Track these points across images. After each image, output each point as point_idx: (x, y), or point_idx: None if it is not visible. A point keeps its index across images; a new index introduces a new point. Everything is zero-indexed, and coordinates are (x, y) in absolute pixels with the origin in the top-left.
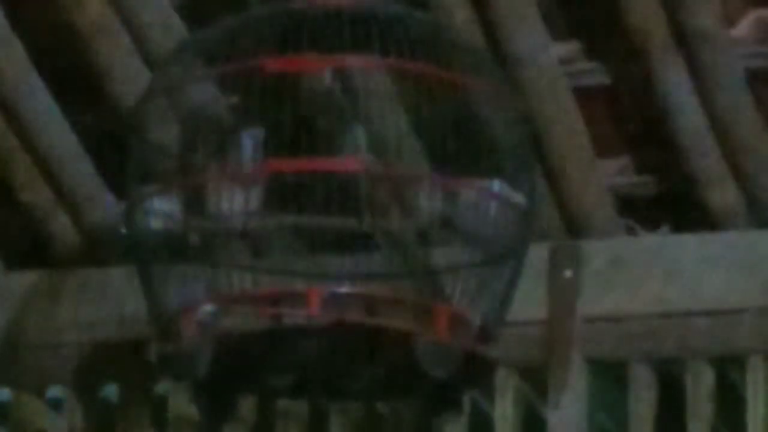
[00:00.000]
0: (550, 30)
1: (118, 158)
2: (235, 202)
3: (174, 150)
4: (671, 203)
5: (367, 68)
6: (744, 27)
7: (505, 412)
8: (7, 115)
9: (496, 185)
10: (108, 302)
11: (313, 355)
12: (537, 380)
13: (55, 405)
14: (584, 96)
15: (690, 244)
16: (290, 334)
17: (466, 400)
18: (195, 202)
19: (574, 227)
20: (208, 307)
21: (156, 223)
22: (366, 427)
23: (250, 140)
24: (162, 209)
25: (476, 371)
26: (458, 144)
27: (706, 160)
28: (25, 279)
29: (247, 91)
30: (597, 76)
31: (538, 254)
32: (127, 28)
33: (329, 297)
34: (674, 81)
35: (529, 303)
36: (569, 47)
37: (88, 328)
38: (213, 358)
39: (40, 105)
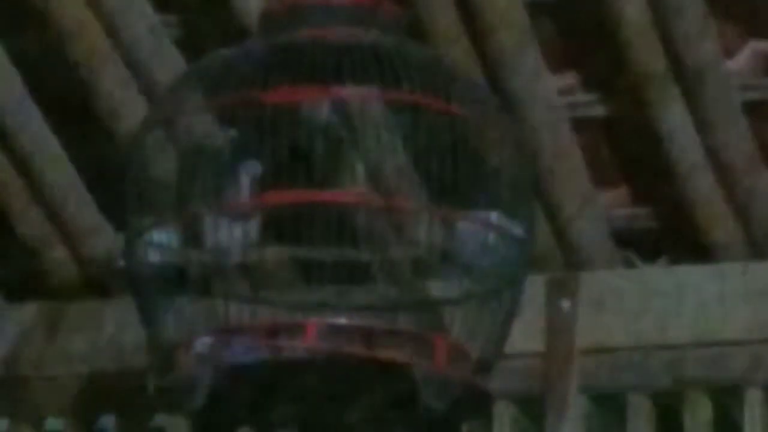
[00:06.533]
0: (548, 61)
1: (117, 190)
2: (233, 234)
3: (172, 182)
4: (669, 235)
5: (365, 100)
6: (741, 59)
7: None
8: (4, 146)
9: (494, 216)
10: (106, 334)
11: (311, 387)
12: (535, 411)
13: None
14: (582, 127)
15: (688, 276)
16: (288, 365)
17: None
18: (193, 235)
19: (572, 259)
20: (206, 339)
21: (154, 256)
22: None
23: (247, 172)
24: (160, 241)
25: (474, 402)
26: (456, 175)
27: (703, 192)
28: (23, 311)
29: (245, 123)
30: (595, 107)
31: (535, 286)
32: (124, 59)
33: (327, 329)
34: (672, 112)
35: (526, 334)
36: (567, 79)
37: (85, 359)
38: (211, 390)
39: (38, 135)
